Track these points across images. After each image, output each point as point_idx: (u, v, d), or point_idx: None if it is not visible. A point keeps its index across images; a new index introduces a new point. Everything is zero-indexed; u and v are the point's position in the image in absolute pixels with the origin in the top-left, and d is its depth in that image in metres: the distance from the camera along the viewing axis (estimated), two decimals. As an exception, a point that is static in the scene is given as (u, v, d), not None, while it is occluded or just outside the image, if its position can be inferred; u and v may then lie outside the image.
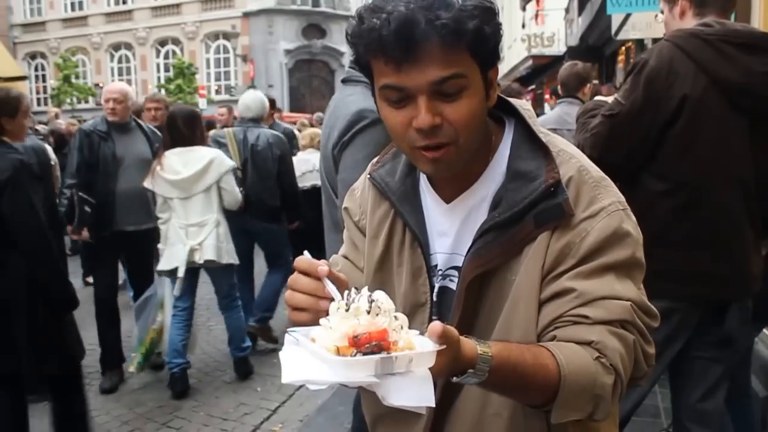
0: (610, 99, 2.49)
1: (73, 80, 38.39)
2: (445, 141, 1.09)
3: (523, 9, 21.77)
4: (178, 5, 41.57)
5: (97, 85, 38.64)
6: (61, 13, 44.52)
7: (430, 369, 0.91)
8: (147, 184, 4.44)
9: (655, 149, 2.24)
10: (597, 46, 14.24)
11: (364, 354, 0.89)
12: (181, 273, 4.38)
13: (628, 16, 8.51)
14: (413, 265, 1.26)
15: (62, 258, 3.38)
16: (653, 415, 3.72)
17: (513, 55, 24.50)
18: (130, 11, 42.78)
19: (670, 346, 2.30)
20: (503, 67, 22.99)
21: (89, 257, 6.39)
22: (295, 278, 1.09)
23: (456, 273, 1.22)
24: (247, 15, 39.01)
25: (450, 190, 1.23)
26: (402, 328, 0.94)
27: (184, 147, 4.40)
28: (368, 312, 0.92)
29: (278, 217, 5.23)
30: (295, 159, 5.79)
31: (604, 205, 1.12)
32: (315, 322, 1.01)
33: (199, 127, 4.58)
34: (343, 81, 2.48)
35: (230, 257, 4.54)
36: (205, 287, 5.06)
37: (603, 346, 1.06)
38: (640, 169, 2.28)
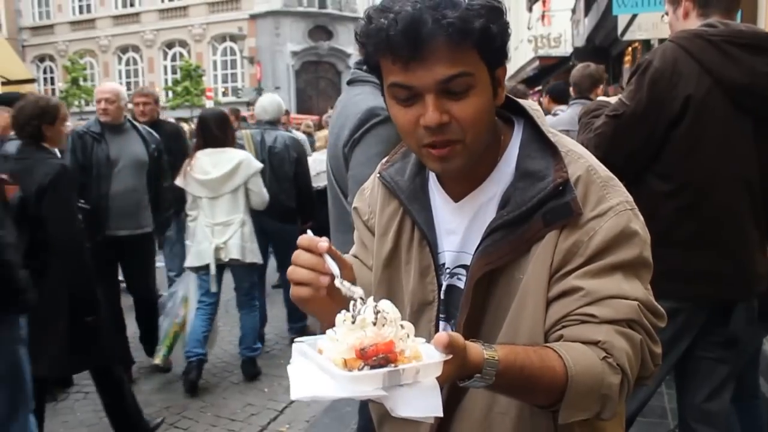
0: (613, 99, 2.50)
1: (81, 83, 38.54)
2: (452, 139, 1.11)
3: (530, 10, 21.77)
4: (185, 8, 41.71)
5: (104, 87, 38.74)
6: (69, 16, 44.73)
7: (437, 378, 0.92)
8: (179, 182, 4.60)
9: (659, 150, 2.24)
10: (604, 47, 14.23)
11: (372, 367, 0.89)
12: (213, 270, 4.54)
13: (634, 16, 8.50)
14: (421, 264, 1.27)
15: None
16: (660, 416, 3.71)
17: (520, 56, 24.48)
18: (137, 14, 42.92)
19: (675, 346, 2.30)
20: (510, 69, 22.88)
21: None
22: (297, 254, 1.11)
23: (464, 271, 1.23)
24: (254, 17, 39.09)
25: (459, 188, 1.24)
26: (408, 336, 0.94)
27: (215, 148, 4.53)
28: (374, 323, 0.93)
29: (293, 217, 5.29)
30: (310, 159, 5.86)
31: (612, 205, 1.13)
32: (315, 297, 1.07)
33: (230, 129, 4.70)
34: (349, 82, 2.50)
35: (254, 256, 4.66)
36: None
37: (610, 345, 1.07)
38: (644, 170, 2.28)
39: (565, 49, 19.48)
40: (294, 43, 39.03)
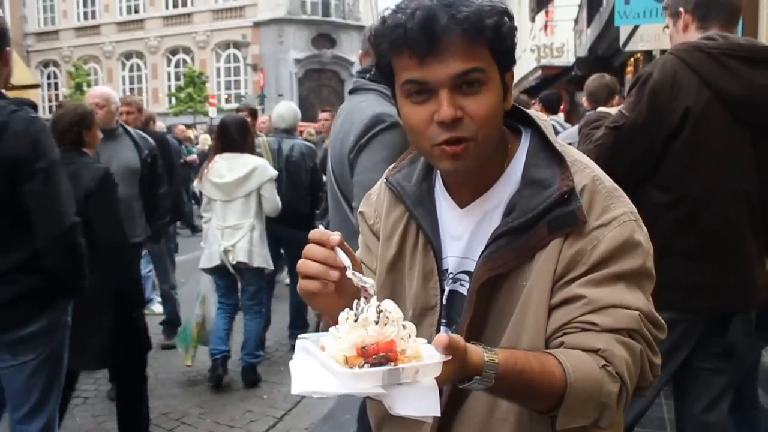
0: (613, 111, 2.51)
1: (85, 88, 38.57)
2: (465, 136, 1.12)
3: (533, 20, 21.82)
4: (189, 15, 41.90)
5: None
6: (74, 22, 44.93)
7: (436, 378, 0.93)
8: (195, 184, 4.79)
9: (659, 161, 2.26)
10: (606, 57, 14.24)
11: (372, 365, 0.91)
12: (231, 269, 4.66)
13: (636, 27, 8.52)
14: (425, 268, 1.28)
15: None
16: (659, 427, 3.71)
17: (522, 65, 24.51)
18: (142, 20, 43.12)
19: (673, 357, 2.31)
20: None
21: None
22: (308, 248, 1.12)
23: (466, 278, 1.25)
24: (257, 24, 39.26)
25: (465, 194, 1.26)
26: (410, 337, 0.96)
27: (233, 153, 4.62)
28: (376, 322, 0.94)
29: (306, 225, 5.29)
30: None
31: (616, 215, 1.14)
32: (323, 291, 1.08)
33: (249, 135, 4.79)
34: (352, 91, 2.52)
35: (262, 261, 4.71)
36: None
37: (610, 354, 1.08)
38: (644, 181, 2.29)
39: (568, 59, 19.50)
40: (297, 50, 39.17)
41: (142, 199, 4.62)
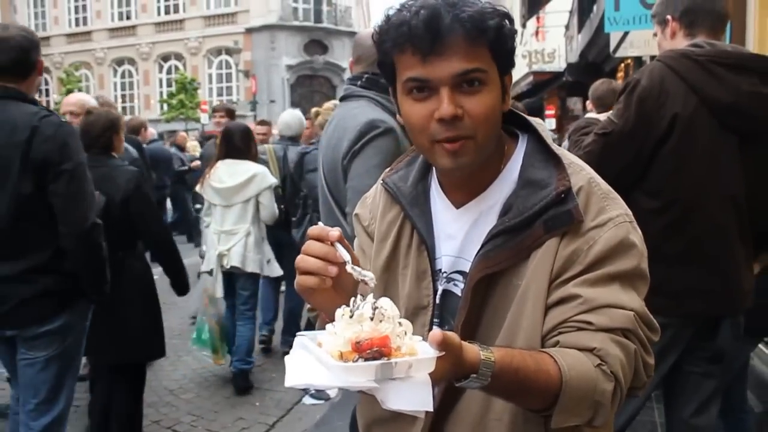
0: (602, 117, 2.53)
1: (77, 95, 38.57)
2: (464, 134, 1.14)
3: (524, 26, 21.92)
4: (181, 21, 41.86)
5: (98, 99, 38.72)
6: (65, 28, 44.82)
7: (430, 374, 0.94)
8: (197, 188, 4.86)
9: (647, 167, 2.28)
10: (596, 63, 14.33)
11: (366, 359, 0.92)
12: (219, 276, 4.69)
13: (626, 34, 8.58)
14: (418, 268, 1.29)
15: None
16: (650, 431, 3.73)
17: (514, 70, 24.56)
18: (133, 26, 43.02)
19: (662, 361, 2.32)
20: (504, 83, 22.91)
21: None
22: (308, 244, 1.12)
23: (461, 278, 1.26)
24: (249, 31, 39.25)
25: (461, 195, 1.27)
26: (406, 334, 0.97)
27: (235, 159, 4.70)
28: (371, 319, 0.95)
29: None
30: None
31: (611, 216, 1.16)
32: (321, 288, 1.08)
33: (253, 143, 4.87)
34: (343, 98, 2.53)
35: (255, 266, 4.76)
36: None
37: (605, 353, 1.09)
38: (633, 187, 2.31)
39: (559, 65, 19.62)
40: (289, 57, 39.18)
41: None
